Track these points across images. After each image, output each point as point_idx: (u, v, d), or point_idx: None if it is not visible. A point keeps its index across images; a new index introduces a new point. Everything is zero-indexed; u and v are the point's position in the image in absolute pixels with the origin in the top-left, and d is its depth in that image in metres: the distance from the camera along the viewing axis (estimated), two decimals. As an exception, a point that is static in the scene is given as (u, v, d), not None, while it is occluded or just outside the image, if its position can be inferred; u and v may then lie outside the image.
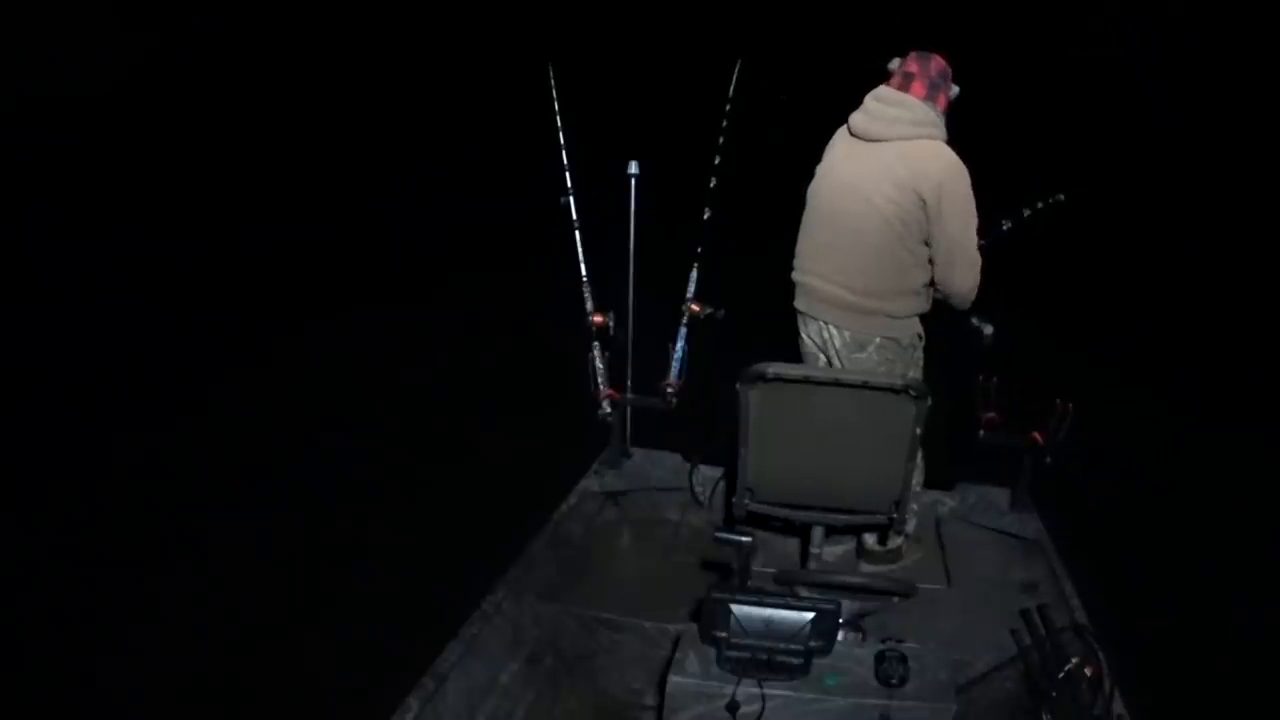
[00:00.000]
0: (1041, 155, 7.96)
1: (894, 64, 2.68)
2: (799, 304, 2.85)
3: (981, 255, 2.69)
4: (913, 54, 2.67)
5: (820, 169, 2.79)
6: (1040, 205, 3.11)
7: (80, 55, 10.36)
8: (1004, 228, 3.01)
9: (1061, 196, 3.14)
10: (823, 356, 2.83)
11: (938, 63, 2.65)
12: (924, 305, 2.78)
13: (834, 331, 2.76)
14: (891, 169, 2.58)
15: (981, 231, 2.71)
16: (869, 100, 2.68)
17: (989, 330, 2.82)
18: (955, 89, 2.68)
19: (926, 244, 2.64)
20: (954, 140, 2.66)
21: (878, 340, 2.74)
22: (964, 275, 2.65)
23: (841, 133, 2.76)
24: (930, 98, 2.61)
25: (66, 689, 2.97)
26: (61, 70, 10.04)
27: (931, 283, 2.72)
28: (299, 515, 3.83)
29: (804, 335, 2.88)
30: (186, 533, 3.71)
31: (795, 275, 2.84)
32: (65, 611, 3.27)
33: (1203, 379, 5.25)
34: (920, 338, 2.82)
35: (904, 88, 2.62)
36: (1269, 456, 4.46)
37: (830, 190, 2.73)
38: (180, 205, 7.71)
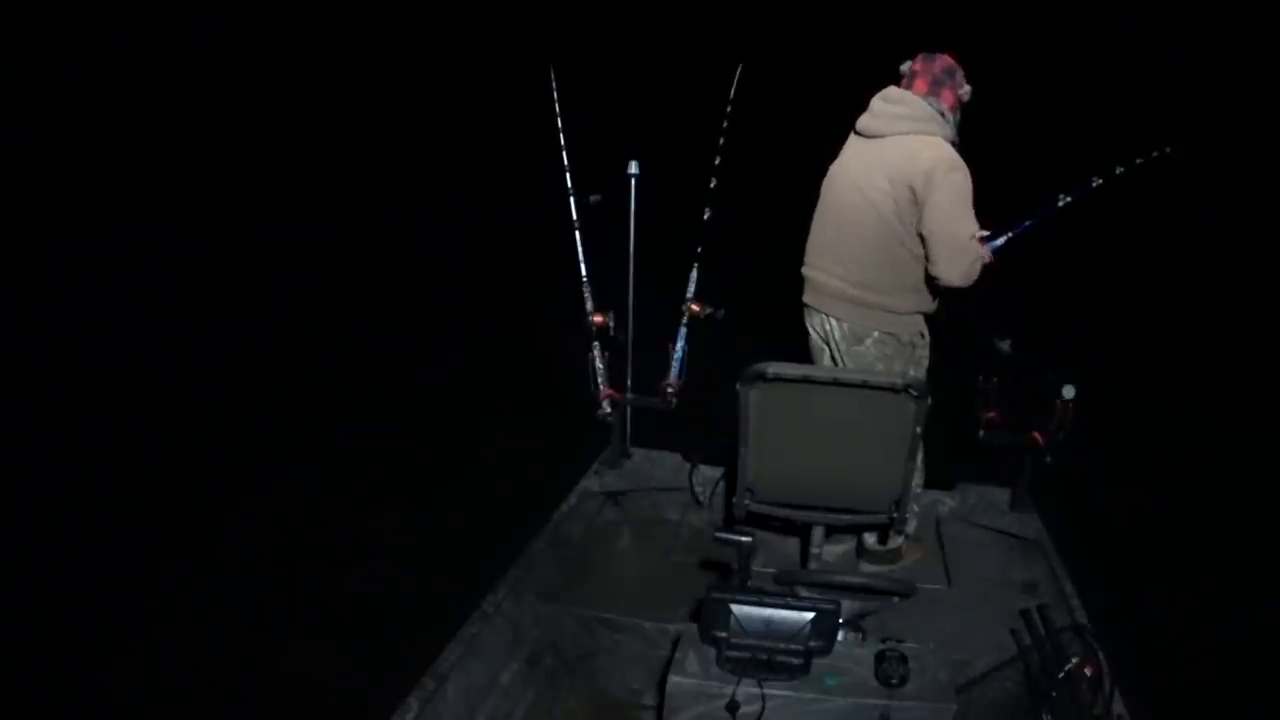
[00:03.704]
0: (1047, 157, 7.96)
1: (905, 66, 2.76)
2: (806, 297, 2.88)
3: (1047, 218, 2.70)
4: (920, 55, 2.73)
5: (831, 167, 2.84)
6: (1140, 161, 2.96)
7: (91, 55, 10.35)
8: (1094, 183, 2.89)
9: (1168, 149, 2.97)
10: (827, 349, 2.86)
11: (943, 61, 2.70)
12: (926, 304, 2.80)
13: (834, 324, 2.80)
14: (887, 163, 2.63)
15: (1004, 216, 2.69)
16: (875, 100, 2.74)
17: (1005, 346, 2.86)
18: (967, 88, 2.72)
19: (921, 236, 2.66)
20: (965, 141, 2.69)
21: (876, 334, 2.76)
22: (950, 262, 2.61)
23: (851, 134, 2.82)
24: (933, 93, 2.66)
25: (68, 688, 2.97)
26: (69, 70, 10.03)
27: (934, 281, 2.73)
28: (299, 515, 3.82)
29: (810, 328, 2.91)
30: (187, 532, 3.70)
31: (803, 269, 2.88)
32: (66, 610, 3.27)
33: (1203, 379, 5.24)
34: (923, 336, 2.84)
35: (908, 86, 2.70)
36: (1269, 456, 4.46)
37: (834, 186, 2.80)
38: (181, 205, 7.70)
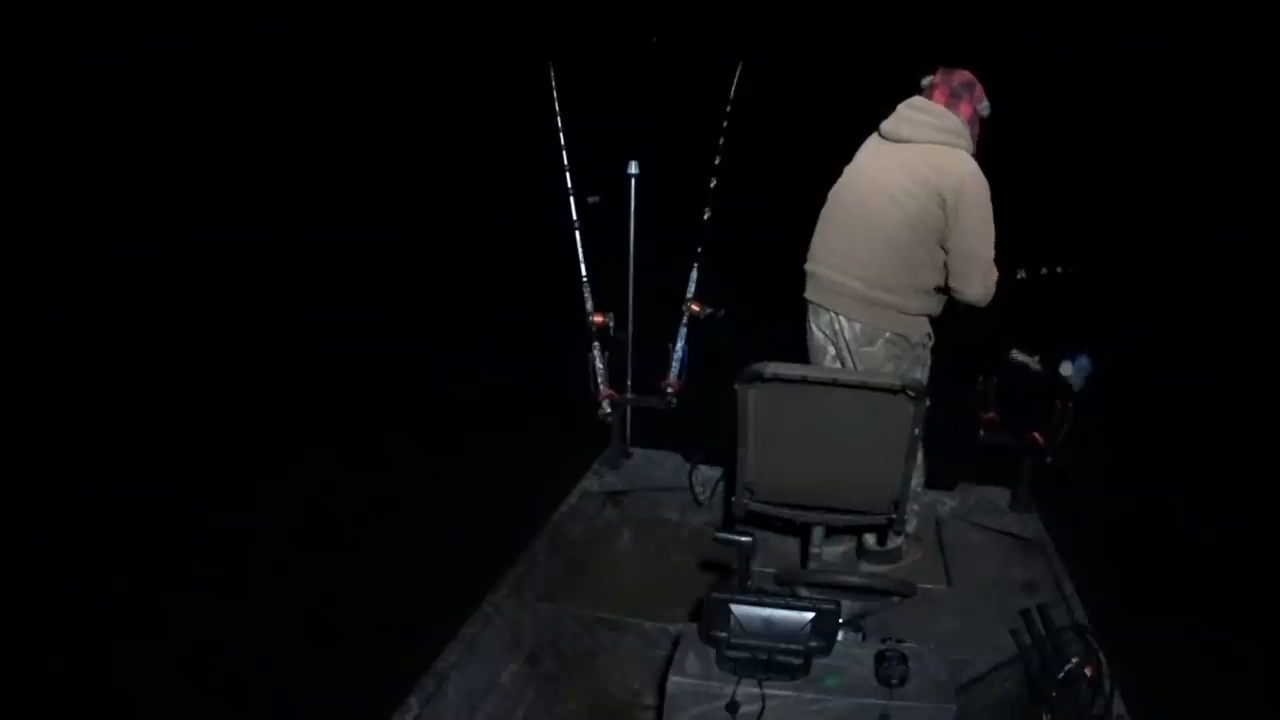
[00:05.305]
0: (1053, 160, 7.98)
1: (926, 80, 2.79)
2: (811, 295, 2.86)
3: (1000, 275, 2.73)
4: (940, 68, 2.78)
5: (847, 168, 2.85)
6: (1044, 271, 3.05)
7: (89, 56, 10.35)
8: (1019, 276, 2.98)
9: (1070, 270, 3.07)
10: (831, 349, 2.84)
11: (961, 75, 2.75)
12: (935, 307, 2.81)
13: (844, 323, 2.78)
14: (913, 167, 2.65)
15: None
16: (901, 106, 2.77)
17: (1033, 362, 2.89)
18: (985, 104, 2.77)
19: (943, 248, 2.68)
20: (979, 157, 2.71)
21: (888, 335, 2.76)
22: (977, 281, 2.69)
23: (872, 136, 2.83)
24: (950, 106, 2.70)
25: (67, 691, 2.97)
26: (60, 73, 10.03)
27: (943, 287, 2.75)
28: (299, 515, 3.82)
29: (814, 327, 2.88)
30: (187, 533, 3.70)
31: (809, 266, 2.86)
32: (65, 613, 3.27)
33: (1203, 379, 5.24)
34: (930, 337, 2.84)
35: (929, 97, 2.74)
36: (1270, 455, 4.46)
37: (853, 185, 2.80)
38: (180, 207, 7.71)
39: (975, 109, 2.75)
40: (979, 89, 2.76)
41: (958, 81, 2.73)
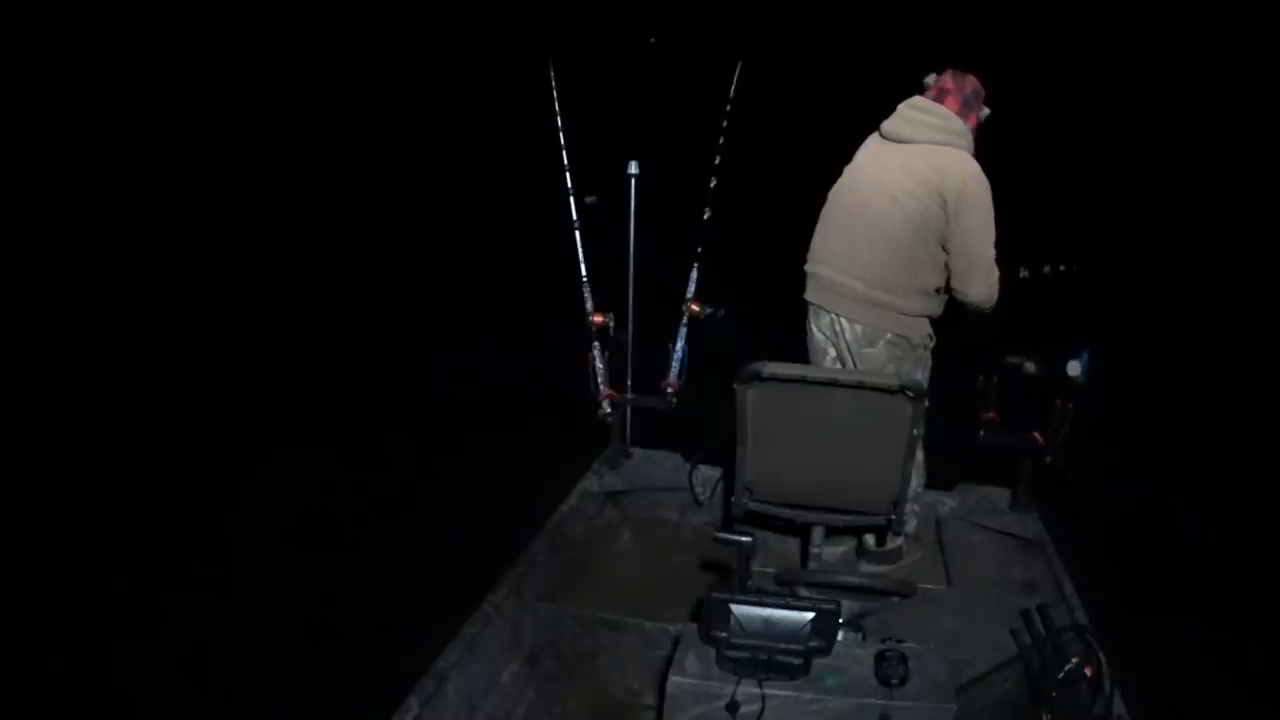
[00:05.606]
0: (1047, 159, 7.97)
1: (930, 79, 2.78)
2: (811, 296, 2.85)
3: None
4: (949, 71, 2.77)
5: (847, 168, 2.84)
6: (1047, 270, 3.06)
7: (81, 57, 10.34)
8: (1021, 275, 2.98)
9: (1074, 268, 3.09)
10: (832, 350, 2.83)
11: (972, 82, 2.75)
12: (936, 309, 2.80)
13: (845, 325, 2.77)
14: (915, 168, 2.64)
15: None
16: (902, 106, 2.76)
17: (1030, 367, 2.89)
18: (986, 111, 2.78)
19: (945, 249, 2.68)
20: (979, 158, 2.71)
21: (889, 336, 2.75)
22: (980, 281, 2.68)
23: (873, 136, 2.82)
24: (962, 115, 2.70)
25: (67, 691, 2.97)
26: (60, 73, 10.02)
27: (944, 288, 2.75)
28: (299, 515, 3.82)
29: (814, 328, 2.87)
30: (187, 533, 3.70)
31: (809, 267, 2.85)
32: (65, 613, 3.27)
33: (1203, 379, 5.24)
34: (931, 338, 2.84)
35: (939, 100, 2.72)
36: (1269, 456, 4.46)
37: (854, 185, 2.79)
38: (179, 208, 7.71)
39: (979, 118, 2.76)
40: (983, 96, 2.77)
41: (970, 90, 2.73)
